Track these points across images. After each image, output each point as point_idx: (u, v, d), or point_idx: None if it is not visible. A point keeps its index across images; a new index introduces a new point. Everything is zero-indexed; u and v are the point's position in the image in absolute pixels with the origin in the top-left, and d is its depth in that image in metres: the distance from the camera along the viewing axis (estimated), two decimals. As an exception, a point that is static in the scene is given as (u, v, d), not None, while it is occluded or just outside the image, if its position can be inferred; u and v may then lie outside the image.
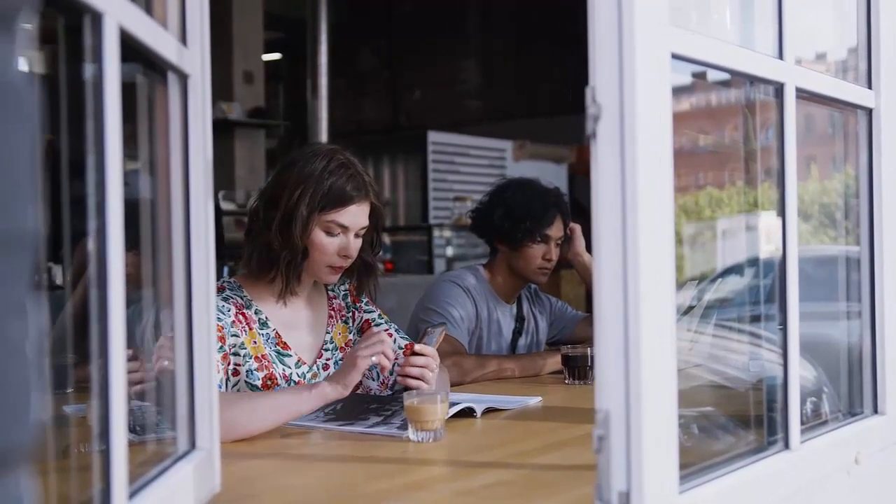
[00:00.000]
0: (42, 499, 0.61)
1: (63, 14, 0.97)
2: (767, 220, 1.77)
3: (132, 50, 1.07)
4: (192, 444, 1.32)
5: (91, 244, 0.98)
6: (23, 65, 0.58)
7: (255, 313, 2.14)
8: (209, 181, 1.34)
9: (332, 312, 2.29)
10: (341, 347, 2.27)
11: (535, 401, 2.29)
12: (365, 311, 2.34)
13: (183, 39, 1.30)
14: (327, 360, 2.23)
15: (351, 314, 2.32)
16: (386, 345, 1.95)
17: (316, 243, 2.10)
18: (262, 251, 2.12)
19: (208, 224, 1.34)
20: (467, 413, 2.05)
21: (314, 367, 2.19)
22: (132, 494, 1.05)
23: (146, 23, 1.12)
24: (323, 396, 1.92)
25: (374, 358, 1.92)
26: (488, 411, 2.11)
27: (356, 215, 2.12)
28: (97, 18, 0.96)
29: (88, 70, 0.98)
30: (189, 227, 1.31)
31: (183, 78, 1.30)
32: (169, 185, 1.30)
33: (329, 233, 2.11)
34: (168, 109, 1.30)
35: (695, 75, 1.38)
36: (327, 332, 2.26)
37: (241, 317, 2.10)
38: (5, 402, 0.53)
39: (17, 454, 0.54)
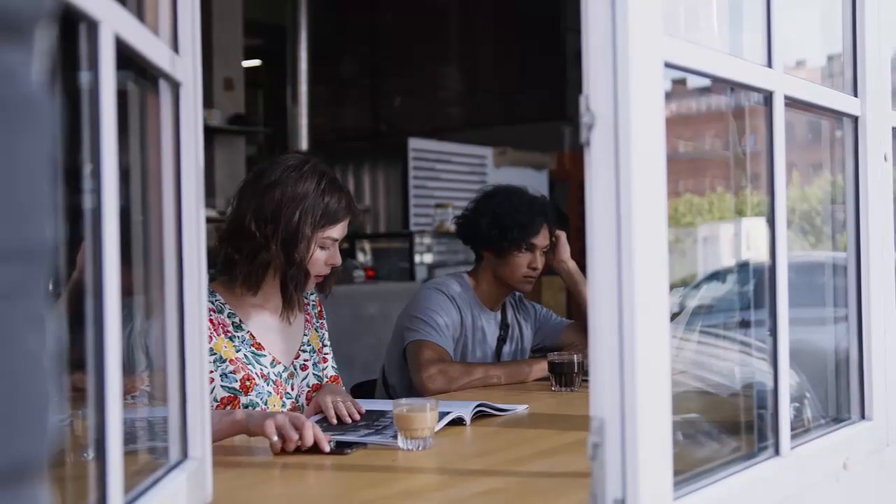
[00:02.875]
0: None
1: (58, 22, 0.96)
2: (749, 227, 1.78)
3: (125, 57, 1.07)
4: (185, 454, 1.31)
5: (80, 251, 0.97)
6: (39, 76, 0.57)
7: (229, 317, 2.19)
8: (201, 189, 1.34)
9: (308, 317, 2.37)
10: (317, 351, 2.36)
11: (521, 408, 2.29)
12: (325, 329, 2.44)
13: (175, 47, 1.30)
14: (305, 360, 2.31)
15: (318, 325, 2.41)
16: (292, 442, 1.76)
17: (312, 259, 2.19)
18: (260, 267, 2.15)
19: (200, 233, 1.33)
20: (456, 421, 2.05)
21: (291, 367, 2.26)
22: (127, 505, 1.04)
23: (140, 31, 1.11)
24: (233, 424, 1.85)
25: (275, 437, 1.74)
26: (478, 416, 2.11)
27: (344, 228, 2.24)
28: (93, 26, 0.96)
29: (83, 77, 0.97)
30: (181, 236, 1.30)
31: (175, 86, 1.29)
32: (160, 193, 1.29)
33: (323, 247, 2.20)
34: (159, 117, 1.29)
35: (675, 81, 1.38)
36: (304, 335, 2.33)
37: (208, 322, 2.11)
38: (26, 415, 0.52)
39: (36, 466, 0.54)
